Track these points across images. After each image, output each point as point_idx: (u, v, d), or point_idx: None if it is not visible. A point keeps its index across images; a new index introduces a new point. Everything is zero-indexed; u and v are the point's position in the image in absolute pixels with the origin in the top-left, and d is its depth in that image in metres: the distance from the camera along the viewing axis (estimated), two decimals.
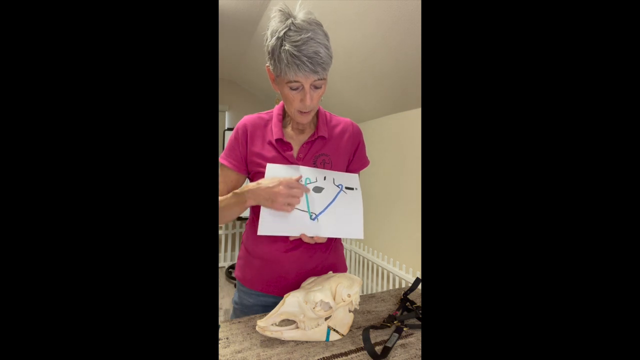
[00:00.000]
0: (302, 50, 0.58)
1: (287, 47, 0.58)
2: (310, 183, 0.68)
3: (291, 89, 0.63)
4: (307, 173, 0.69)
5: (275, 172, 0.69)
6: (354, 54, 1.84)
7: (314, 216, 0.64)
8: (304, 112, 0.67)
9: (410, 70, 1.69)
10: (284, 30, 0.59)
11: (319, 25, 0.61)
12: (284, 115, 0.78)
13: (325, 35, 0.62)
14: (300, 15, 0.60)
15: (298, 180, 0.65)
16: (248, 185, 0.67)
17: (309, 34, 0.58)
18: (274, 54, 0.60)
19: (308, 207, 0.65)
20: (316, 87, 0.64)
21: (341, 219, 0.65)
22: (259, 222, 0.65)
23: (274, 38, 0.60)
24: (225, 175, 0.76)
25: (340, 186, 0.69)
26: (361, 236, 0.65)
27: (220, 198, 0.71)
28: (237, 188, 0.77)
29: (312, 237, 0.64)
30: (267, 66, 0.66)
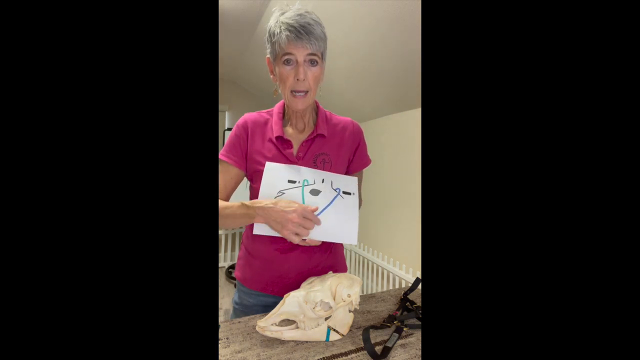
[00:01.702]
0: (296, 20, 0.63)
1: (282, 19, 0.64)
2: (308, 185, 0.68)
3: (285, 64, 0.66)
4: (306, 174, 0.69)
5: (275, 171, 0.69)
6: (354, 54, 1.84)
7: None
8: (299, 94, 0.67)
9: (410, 70, 1.69)
10: (282, 13, 0.65)
11: (314, 14, 0.67)
12: (284, 113, 0.78)
13: (320, 20, 0.67)
14: (297, 5, 0.66)
15: (314, 211, 0.63)
16: (262, 201, 0.65)
17: (303, 12, 0.64)
18: (270, 32, 0.66)
19: None
20: (311, 64, 0.66)
21: (336, 224, 0.65)
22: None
23: (272, 21, 0.66)
24: (225, 172, 0.75)
25: (337, 190, 0.68)
26: (354, 242, 0.65)
27: (224, 204, 0.69)
28: (236, 185, 0.77)
29: (304, 240, 0.64)
30: (267, 57, 0.69)
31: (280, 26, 0.63)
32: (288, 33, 0.62)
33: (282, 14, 0.64)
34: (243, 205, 0.66)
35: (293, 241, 0.63)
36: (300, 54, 0.64)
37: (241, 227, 3.38)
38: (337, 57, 1.85)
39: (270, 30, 0.66)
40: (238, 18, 2.05)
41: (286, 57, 0.65)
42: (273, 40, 0.65)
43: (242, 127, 0.75)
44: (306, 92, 0.68)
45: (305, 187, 0.67)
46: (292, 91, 0.67)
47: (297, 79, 0.65)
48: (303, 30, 0.62)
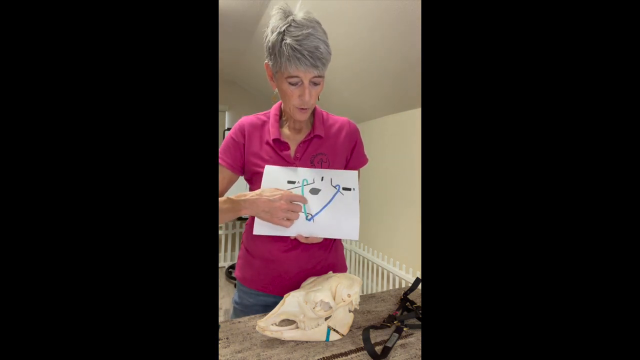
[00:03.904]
0: (303, 44, 0.59)
1: (288, 41, 0.59)
2: (308, 184, 0.68)
3: (290, 84, 0.64)
4: (304, 174, 0.70)
5: (274, 174, 0.69)
6: (354, 54, 1.84)
7: (309, 217, 0.64)
8: (302, 109, 0.68)
9: (410, 70, 1.69)
10: (285, 26, 0.60)
11: (319, 23, 0.63)
12: (280, 115, 0.78)
13: (324, 33, 0.63)
14: (300, 14, 0.62)
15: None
16: (247, 194, 0.66)
17: (310, 30, 0.60)
18: (275, 49, 0.62)
19: (304, 207, 0.66)
20: (315, 84, 0.65)
21: (337, 220, 0.65)
22: (254, 221, 0.65)
23: (275, 33, 0.61)
24: (219, 174, 0.76)
25: (337, 187, 0.69)
26: (356, 237, 0.66)
27: None
28: (228, 187, 0.77)
29: (307, 237, 0.65)
30: (266, 63, 0.67)
31: (286, 49, 0.59)
32: (296, 61, 0.59)
33: (287, 27, 0.60)
34: (229, 199, 0.66)
35: (285, 226, 0.63)
36: (307, 77, 0.62)
37: (241, 227, 3.38)
38: (337, 57, 1.85)
39: (272, 43, 0.62)
40: (238, 19, 2.05)
41: (292, 79, 0.63)
42: (277, 58, 0.62)
43: (239, 130, 0.76)
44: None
45: (305, 187, 0.68)
46: (294, 106, 0.67)
47: (303, 100, 0.65)
48: (311, 57, 0.59)
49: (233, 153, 0.75)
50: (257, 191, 0.65)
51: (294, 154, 0.74)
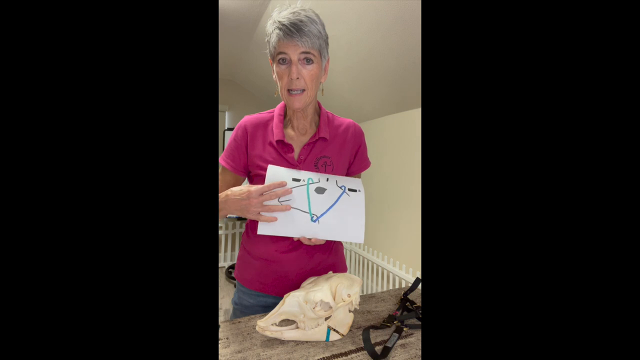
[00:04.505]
0: (288, 17, 0.62)
1: (275, 17, 0.64)
2: (313, 183, 0.67)
3: (280, 63, 0.65)
4: (308, 176, 0.69)
5: (276, 174, 0.68)
6: (354, 54, 1.84)
7: (314, 218, 0.63)
8: (294, 94, 0.66)
9: (410, 70, 1.69)
10: (279, 12, 0.64)
11: (315, 13, 0.65)
12: (285, 115, 0.77)
13: (318, 17, 0.65)
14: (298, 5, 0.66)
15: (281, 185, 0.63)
16: (220, 194, 0.66)
17: (299, 9, 0.63)
18: (266, 31, 0.66)
19: (310, 208, 0.63)
20: (306, 63, 0.65)
21: (342, 222, 0.64)
22: (259, 221, 0.65)
23: (270, 21, 0.65)
24: (222, 176, 0.76)
25: (343, 188, 0.67)
26: (361, 240, 0.64)
27: None
28: None
29: (310, 239, 0.64)
30: (270, 59, 0.69)
31: (273, 25, 0.64)
32: (279, 32, 0.62)
33: (280, 12, 0.64)
34: None
35: (259, 220, 0.62)
36: (293, 52, 0.63)
37: (241, 227, 3.38)
38: (337, 57, 1.85)
39: (266, 29, 0.67)
40: (238, 18, 2.05)
41: (280, 56, 0.64)
42: (267, 39, 0.66)
43: (241, 131, 0.75)
44: (302, 90, 0.67)
45: (310, 185, 0.66)
46: (288, 90, 0.67)
47: (291, 78, 0.65)
48: (294, 28, 0.61)
49: (236, 155, 0.74)
50: (225, 192, 0.65)
51: (297, 156, 0.73)
